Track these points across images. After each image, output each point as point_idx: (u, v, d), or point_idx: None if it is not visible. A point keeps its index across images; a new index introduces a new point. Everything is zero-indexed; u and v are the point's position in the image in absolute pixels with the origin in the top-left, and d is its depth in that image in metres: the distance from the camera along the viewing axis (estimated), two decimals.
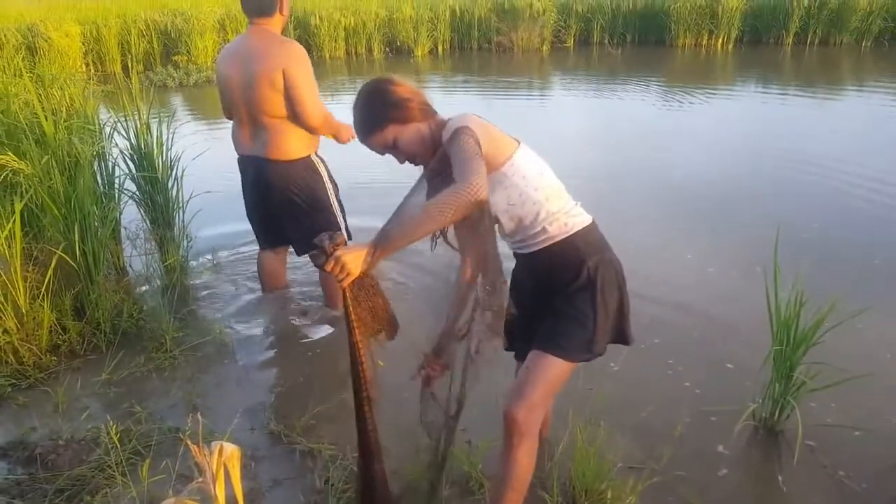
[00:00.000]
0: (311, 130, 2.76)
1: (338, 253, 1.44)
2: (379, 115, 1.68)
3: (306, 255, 2.96)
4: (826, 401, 2.32)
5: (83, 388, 2.57)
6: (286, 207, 2.83)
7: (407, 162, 1.75)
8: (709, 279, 3.47)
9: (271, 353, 2.92)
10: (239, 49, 2.70)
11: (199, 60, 11.17)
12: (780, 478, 2.08)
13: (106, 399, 2.52)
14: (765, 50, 12.35)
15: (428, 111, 1.72)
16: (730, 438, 2.20)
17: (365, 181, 4.61)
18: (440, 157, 1.60)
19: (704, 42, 12.63)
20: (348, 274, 1.45)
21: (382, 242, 1.45)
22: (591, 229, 1.77)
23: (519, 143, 1.74)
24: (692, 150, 6.03)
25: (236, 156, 2.91)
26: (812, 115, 7.71)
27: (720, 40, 12.57)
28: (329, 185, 2.88)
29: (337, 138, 2.85)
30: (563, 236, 1.72)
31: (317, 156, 2.87)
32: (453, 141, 1.54)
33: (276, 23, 2.68)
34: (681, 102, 8.62)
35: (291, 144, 2.74)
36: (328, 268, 1.45)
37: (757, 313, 2.38)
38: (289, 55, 2.60)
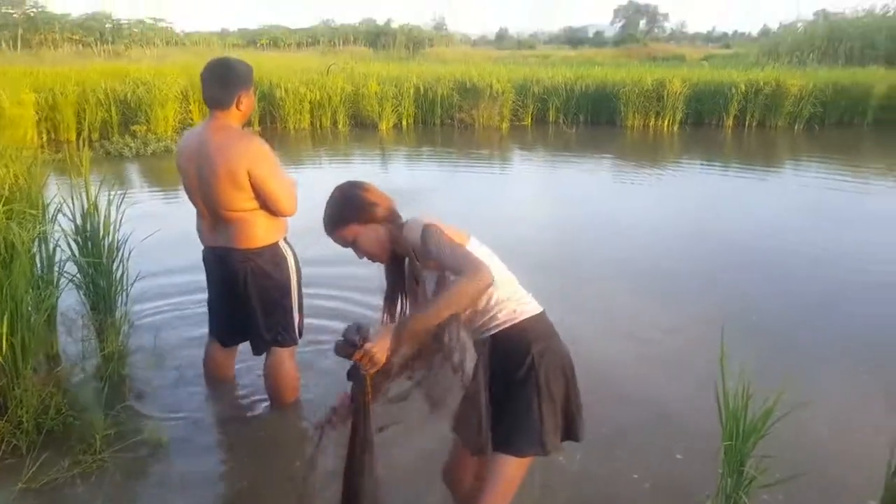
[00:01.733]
0: (287, 216, 2.72)
1: (367, 345, 1.60)
2: (344, 214, 1.80)
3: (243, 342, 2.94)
4: (775, 494, 2.32)
5: None
6: (249, 299, 2.75)
7: (365, 258, 1.86)
8: (658, 366, 3.45)
9: (212, 454, 2.74)
10: (196, 143, 2.61)
11: (158, 130, 11.09)
12: None
13: None
14: (707, 131, 13.08)
15: (391, 216, 1.83)
16: None
17: None
18: (419, 256, 1.73)
19: (652, 123, 13.28)
20: (375, 364, 1.62)
21: (403, 333, 1.62)
22: (539, 318, 1.82)
23: (469, 235, 1.81)
24: (641, 228, 6.17)
25: (195, 244, 2.83)
26: (755, 193, 8.14)
27: (666, 121, 13.25)
28: (293, 276, 2.81)
29: None
30: (511, 323, 1.77)
31: (285, 242, 2.81)
32: (429, 241, 1.66)
33: (234, 117, 2.61)
34: (632, 180, 8.96)
35: (258, 233, 2.68)
36: (356, 358, 1.62)
37: (705, 401, 2.37)
38: (250, 155, 2.53)
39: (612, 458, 2.63)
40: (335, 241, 1.85)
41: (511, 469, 1.73)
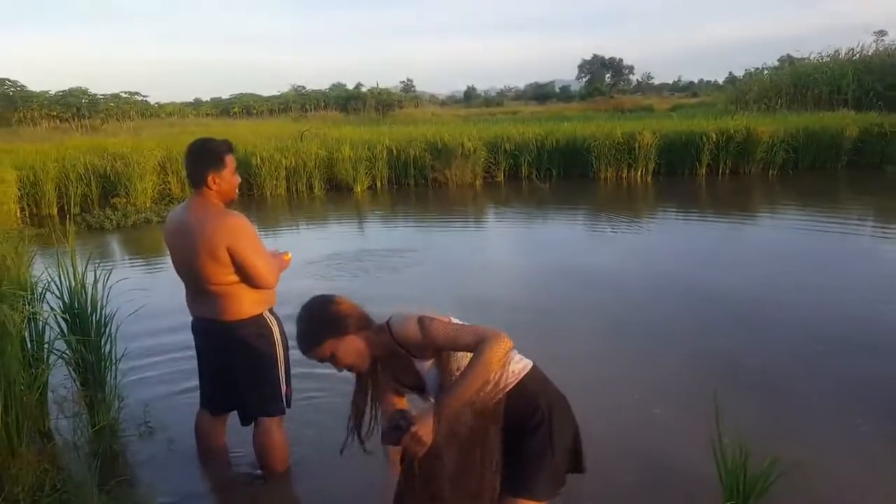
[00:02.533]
0: (268, 288, 2.80)
1: (414, 429, 1.69)
2: (317, 332, 1.85)
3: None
4: None
5: None
6: (235, 370, 2.85)
7: (344, 371, 1.91)
8: (649, 426, 3.40)
9: None
10: (178, 222, 2.74)
11: (138, 202, 11.24)
12: None
13: None
14: (680, 180, 13.34)
15: (364, 323, 1.88)
16: None
17: None
18: (414, 350, 1.83)
19: (625, 174, 13.62)
20: (423, 445, 1.71)
21: (442, 411, 1.71)
22: (534, 371, 1.93)
23: (449, 317, 1.89)
24: (625, 280, 6.26)
25: (182, 317, 2.94)
26: (733, 241, 8.27)
27: (639, 172, 13.59)
28: (279, 347, 2.89)
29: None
30: (514, 383, 1.87)
31: (270, 312, 2.90)
32: (432, 331, 1.75)
33: (209, 195, 2.70)
34: (608, 231, 9.20)
35: (242, 305, 2.77)
36: (405, 443, 1.72)
37: (703, 454, 2.40)
38: (229, 231, 2.62)
39: None
40: (312, 358, 1.89)
41: None
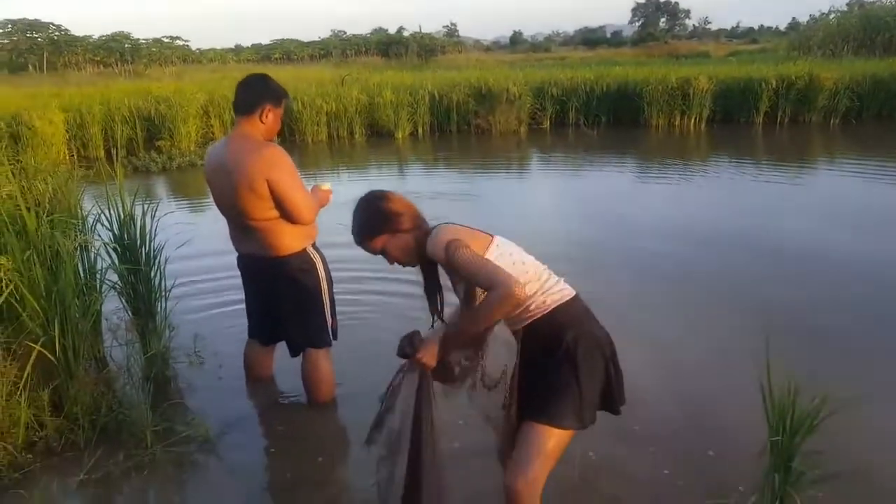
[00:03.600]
0: (305, 224, 2.76)
1: (418, 355, 1.87)
2: (372, 226, 1.90)
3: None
4: (826, 490, 2.23)
5: (59, 489, 2.46)
6: (282, 304, 2.86)
7: (396, 264, 1.97)
8: (693, 367, 3.40)
9: (256, 448, 2.83)
10: (218, 157, 2.70)
11: (182, 145, 11.34)
12: None
13: (83, 500, 2.43)
14: (736, 128, 12.76)
15: (417, 222, 1.91)
16: None
17: None
18: (445, 269, 1.88)
19: (677, 122, 13.06)
20: (428, 367, 1.88)
21: (447, 342, 1.86)
22: (571, 303, 1.86)
23: (492, 237, 1.88)
24: (673, 230, 6.05)
25: (229, 249, 2.94)
26: (790, 192, 7.89)
27: (692, 120, 13.00)
28: (324, 281, 2.88)
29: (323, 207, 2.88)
30: (542, 313, 1.83)
31: (313, 248, 2.88)
32: (455, 260, 1.74)
33: (256, 127, 2.65)
34: (657, 180, 8.90)
35: (285, 241, 2.75)
36: (413, 360, 1.90)
37: (741, 401, 2.36)
38: (267, 162, 2.57)
39: (645, 455, 2.62)
40: (364, 249, 1.94)
41: (552, 442, 1.76)
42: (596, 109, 13.48)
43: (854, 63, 15.16)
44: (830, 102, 12.76)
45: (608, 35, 66.48)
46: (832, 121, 12.85)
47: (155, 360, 3.31)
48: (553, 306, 1.82)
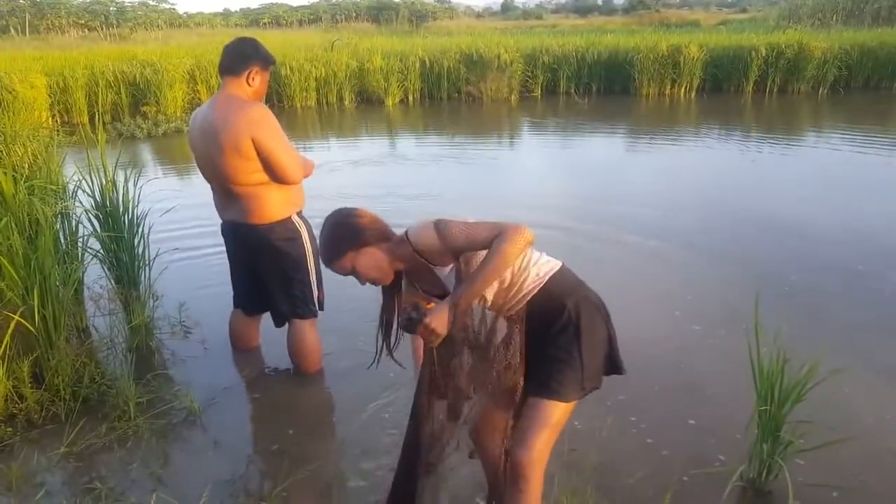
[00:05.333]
0: (293, 183, 2.71)
1: (426, 320, 1.70)
2: (339, 244, 1.82)
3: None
4: (812, 460, 2.26)
5: (40, 462, 2.42)
6: (266, 273, 2.81)
7: (368, 283, 1.88)
8: (680, 336, 3.40)
9: (242, 418, 2.81)
10: (204, 118, 2.63)
11: (168, 111, 11.12)
12: None
13: (64, 473, 2.37)
14: (726, 97, 12.79)
15: (384, 237, 1.83)
16: (720, 502, 2.13)
17: None
18: (431, 258, 1.78)
19: (668, 90, 13.03)
20: (438, 336, 1.72)
21: (457, 303, 1.70)
22: (563, 272, 1.84)
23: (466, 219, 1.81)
24: (660, 199, 6.03)
25: (215, 217, 2.88)
26: (780, 161, 7.88)
27: (683, 89, 13.00)
28: (309, 251, 2.83)
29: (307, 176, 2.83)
30: (538, 287, 1.79)
31: (299, 216, 2.82)
32: (447, 230, 1.70)
33: (243, 89, 2.60)
34: (647, 150, 8.85)
35: (270, 208, 2.69)
36: (420, 333, 1.73)
37: (739, 367, 2.35)
38: (252, 121, 2.52)
39: (630, 425, 2.62)
40: (335, 271, 1.86)
41: (556, 414, 1.75)
42: (587, 78, 13.41)
43: (843, 33, 15.18)
44: (819, 72, 12.82)
45: (600, 3, 65.55)
46: (821, 90, 12.90)
47: (138, 330, 3.27)
48: (546, 278, 1.80)
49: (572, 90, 13.40)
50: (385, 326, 1.94)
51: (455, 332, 1.75)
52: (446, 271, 1.81)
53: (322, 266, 2.85)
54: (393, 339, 1.93)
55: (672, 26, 25.73)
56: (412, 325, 1.73)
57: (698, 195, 6.18)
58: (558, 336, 1.77)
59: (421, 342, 1.91)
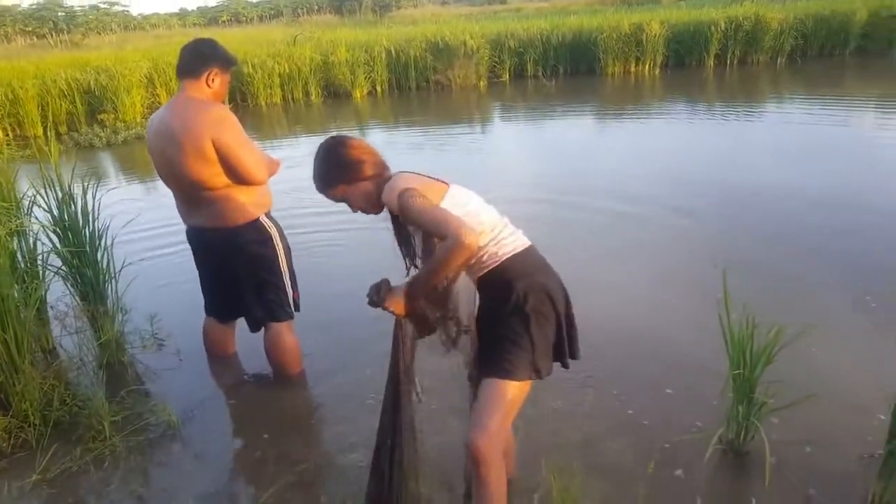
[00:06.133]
0: (258, 184, 2.61)
1: (385, 303, 1.81)
2: (331, 174, 1.84)
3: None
4: (785, 419, 2.31)
5: (11, 492, 2.31)
6: (237, 278, 2.72)
7: (359, 212, 1.91)
8: (650, 306, 3.43)
9: (222, 427, 2.72)
10: (161, 122, 2.53)
11: (126, 117, 10.83)
12: (754, 501, 2.07)
13: (38, 502, 2.27)
14: (689, 72, 12.99)
15: (379, 170, 1.85)
16: (700, 466, 2.17)
17: None
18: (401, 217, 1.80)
19: (632, 69, 13.14)
20: (397, 314, 1.82)
21: (409, 291, 1.79)
22: (523, 254, 1.81)
23: (448, 185, 1.82)
24: (629, 174, 6.06)
25: (181, 222, 2.77)
26: (741, 131, 8.00)
27: (647, 66, 13.12)
28: (281, 251, 2.74)
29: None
30: (495, 264, 1.79)
31: (267, 217, 2.73)
32: (409, 210, 1.69)
33: (202, 90, 2.51)
34: (616, 127, 8.87)
35: (236, 210, 2.59)
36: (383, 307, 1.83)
37: (711, 335, 2.35)
38: (213, 121, 2.43)
39: (610, 398, 2.64)
40: (326, 197, 1.88)
41: (510, 392, 1.75)
42: (553, 60, 13.43)
43: (797, 3, 15.41)
44: (776, 42, 13.08)
45: None
46: (779, 60, 13.19)
47: (108, 346, 3.15)
48: (504, 258, 1.78)
49: (540, 73, 13.39)
50: (405, 251, 1.96)
51: (416, 310, 1.85)
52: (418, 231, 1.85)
53: (293, 266, 2.82)
54: (413, 255, 1.95)
55: (634, 4, 25.85)
56: (373, 304, 1.85)
57: (667, 168, 6.22)
58: (509, 317, 1.77)
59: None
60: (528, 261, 1.82)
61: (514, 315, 1.76)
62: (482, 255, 1.78)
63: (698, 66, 13.14)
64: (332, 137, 1.87)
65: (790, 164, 6.04)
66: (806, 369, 2.63)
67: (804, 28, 13.23)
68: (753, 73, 12.58)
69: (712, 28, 12.84)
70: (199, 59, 2.51)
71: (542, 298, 1.77)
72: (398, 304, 1.80)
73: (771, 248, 4.08)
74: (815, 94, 10.08)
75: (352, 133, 8.98)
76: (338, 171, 1.83)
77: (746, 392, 2.15)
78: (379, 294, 1.83)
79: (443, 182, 1.82)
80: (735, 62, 13.18)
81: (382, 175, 1.84)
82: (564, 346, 1.83)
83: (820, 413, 2.38)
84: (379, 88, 13.01)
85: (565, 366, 1.86)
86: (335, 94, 12.78)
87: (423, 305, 1.84)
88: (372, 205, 1.86)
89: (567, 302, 1.83)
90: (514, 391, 1.75)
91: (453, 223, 1.63)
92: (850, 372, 2.71)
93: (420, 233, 1.83)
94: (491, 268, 1.78)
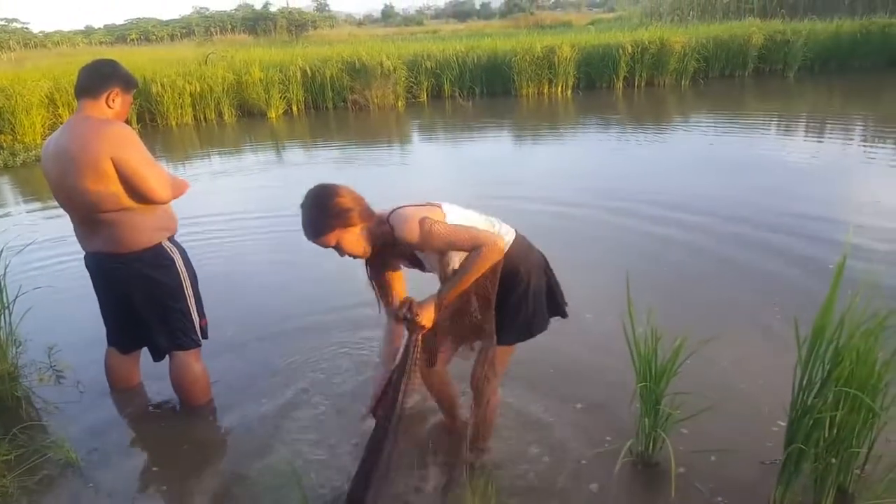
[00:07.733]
0: (162, 203, 2.54)
1: (418, 320, 2.01)
2: (323, 223, 1.95)
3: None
4: (691, 429, 2.40)
5: None
6: (139, 306, 2.63)
7: (347, 257, 2.06)
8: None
9: (126, 462, 2.60)
10: (57, 143, 2.43)
11: (25, 139, 10.22)
12: None
13: None
14: (599, 94, 13.57)
15: (367, 215, 2.00)
16: (612, 479, 2.23)
17: None
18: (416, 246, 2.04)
19: (546, 90, 13.63)
20: (424, 327, 2.04)
21: (440, 302, 2.02)
22: (517, 242, 2.14)
23: (440, 205, 2.07)
24: (541, 190, 6.20)
25: (80, 249, 2.67)
26: (651, 150, 8.45)
27: (559, 88, 13.64)
28: (185, 277, 2.67)
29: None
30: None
31: (170, 241, 2.65)
32: (432, 233, 1.93)
33: (102, 111, 2.43)
34: (532, 145, 9.17)
35: (137, 235, 2.51)
36: (411, 329, 2.07)
37: (607, 351, 2.53)
38: (111, 139, 2.35)
39: (520, 416, 2.67)
40: (316, 244, 1.99)
41: (505, 355, 2.20)
42: (469, 81, 13.73)
43: (699, 27, 16.58)
44: (680, 65, 13.92)
45: (478, 6, 67.56)
46: (683, 81, 14.03)
47: (2, 380, 2.96)
48: (506, 248, 2.04)
49: (456, 94, 13.65)
50: (379, 287, 2.24)
51: (440, 320, 2.07)
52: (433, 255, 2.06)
53: (199, 292, 2.75)
54: (387, 295, 2.26)
55: (546, 28, 26.98)
56: (409, 323, 2.03)
57: (577, 184, 6.47)
58: (511, 293, 2.08)
59: (401, 328, 2.22)
60: (521, 245, 2.15)
61: (515, 290, 2.09)
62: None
63: (608, 88, 13.75)
64: (321, 186, 1.98)
65: (696, 179, 6.43)
66: (712, 380, 2.73)
67: (706, 51, 14.18)
68: (660, 95, 13.30)
69: (620, 51, 13.48)
70: (99, 78, 2.44)
71: (540, 274, 2.16)
72: (428, 315, 2.01)
73: (680, 263, 4.25)
74: (719, 113, 10.81)
75: (267, 152, 8.83)
76: (330, 220, 1.93)
77: (653, 404, 2.22)
78: (410, 309, 2.00)
79: (433, 204, 2.05)
80: (643, 84, 13.89)
81: (371, 219, 2.00)
82: (558, 299, 2.24)
83: (725, 422, 2.47)
84: (295, 108, 12.88)
85: (565, 315, 2.28)
86: (249, 114, 12.56)
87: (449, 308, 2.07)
88: (363, 249, 2.02)
89: (548, 264, 2.23)
90: (507, 352, 2.20)
91: (483, 234, 1.96)
92: (753, 381, 2.82)
93: (437, 256, 2.05)
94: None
